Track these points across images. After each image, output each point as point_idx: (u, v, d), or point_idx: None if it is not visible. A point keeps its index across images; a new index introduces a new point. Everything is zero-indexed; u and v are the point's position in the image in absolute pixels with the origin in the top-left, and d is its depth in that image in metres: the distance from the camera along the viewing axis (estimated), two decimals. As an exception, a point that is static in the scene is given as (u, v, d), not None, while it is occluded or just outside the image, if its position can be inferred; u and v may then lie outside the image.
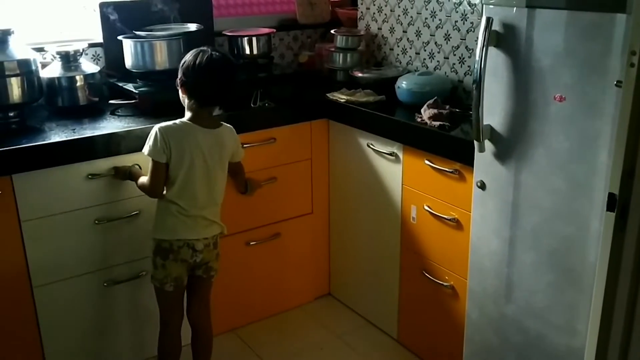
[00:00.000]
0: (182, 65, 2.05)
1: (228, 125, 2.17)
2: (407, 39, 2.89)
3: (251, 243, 2.65)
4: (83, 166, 2.16)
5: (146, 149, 2.03)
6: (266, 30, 2.95)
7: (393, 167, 2.46)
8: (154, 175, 2.05)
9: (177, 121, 2.06)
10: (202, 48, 2.05)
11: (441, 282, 2.33)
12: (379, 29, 3.04)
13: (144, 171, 2.17)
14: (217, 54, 2.04)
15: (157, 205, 2.13)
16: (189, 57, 2.05)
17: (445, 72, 2.71)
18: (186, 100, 2.09)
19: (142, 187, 2.13)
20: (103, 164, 2.20)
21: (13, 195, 2.06)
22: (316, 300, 2.98)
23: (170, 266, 2.09)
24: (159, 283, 2.12)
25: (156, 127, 2.03)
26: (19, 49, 2.27)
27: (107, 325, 2.37)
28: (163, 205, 2.10)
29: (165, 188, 2.08)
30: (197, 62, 2.01)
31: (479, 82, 1.83)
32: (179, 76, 2.06)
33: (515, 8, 1.76)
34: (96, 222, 2.23)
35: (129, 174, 2.20)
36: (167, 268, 2.09)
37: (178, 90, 2.10)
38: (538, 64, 1.74)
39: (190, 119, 2.07)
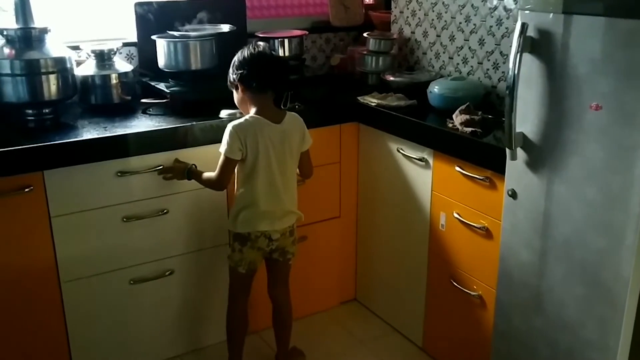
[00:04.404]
0: (234, 64, 2.14)
1: (292, 113, 2.20)
2: (441, 43, 2.85)
3: (278, 245, 2.64)
4: (113, 164, 2.18)
5: (223, 147, 2.09)
6: (298, 32, 2.95)
7: (423, 173, 2.43)
8: (224, 170, 2.11)
9: (247, 117, 2.12)
10: (248, 45, 2.17)
11: (469, 291, 2.29)
12: (412, 32, 3.01)
13: (205, 169, 2.22)
14: (262, 44, 2.18)
15: (235, 199, 2.20)
16: (238, 55, 2.14)
17: (479, 78, 2.67)
18: (246, 96, 2.13)
19: (207, 181, 2.19)
20: (133, 162, 2.22)
21: (44, 190, 2.09)
22: (341, 305, 2.96)
23: (247, 252, 2.21)
24: (234, 264, 2.24)
25: (230, 126, 2.09)
26: (55, 47, 2.31)
27: (132, 323, 2.39)
28: (240, 199, 2.18)
29: (239, 183, 2.17)
30: (249, 52, 2.12)
31: (512, 88, 1.80)
32: (232, 75, 2.14)
33: (551, 14, 1.73)
34: (124, 219, 2.25)
35: (188, 173, 2.23)
36: (243, 253, 2.21)
37: (233, 93, 2.18)
38: (574, 71, 1.70)
39: (257, 113, 2.12)
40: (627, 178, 1.62)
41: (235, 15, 2.87)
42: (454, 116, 2.31)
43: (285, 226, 2.23)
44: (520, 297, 1.98)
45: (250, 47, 2.14)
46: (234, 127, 2.08)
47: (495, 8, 2.55)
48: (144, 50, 2.71)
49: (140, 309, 2.39)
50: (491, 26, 2.58)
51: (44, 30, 2.29)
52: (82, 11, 2.71)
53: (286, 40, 2.88)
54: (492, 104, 2.59)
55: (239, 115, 2.37)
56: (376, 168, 2.69)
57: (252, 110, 2.13)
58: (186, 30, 2.65)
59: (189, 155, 2.29)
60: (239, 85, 2.14)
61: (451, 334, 2.44)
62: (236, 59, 2.14)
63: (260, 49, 2.14)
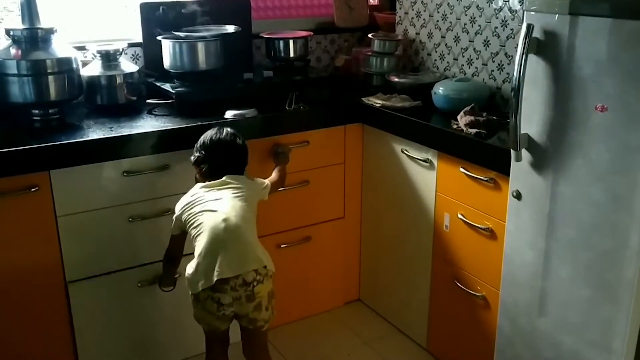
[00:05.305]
0: (199, 141, 2.11)
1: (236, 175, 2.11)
2: (445, 44, 2.86)
3: (282, 246, 2.65)
4: (119, 164, 2.19)
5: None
6: (303, 33, 2.95)
7: (427, 174, 2.43)
8: (169, 245, 2.16)
9: (193, 194, 2.05)
10: (217, 128, 2.13)
11: (473, 292, 2.29)
12: (417, 33, 3.01)
13: None
14: (228, 132, 2.11)
15: None
16: (205, 134, 2.12)
17: (483, 79, 2.67)
18: (200, 176, 2.11)
19: (163, 258, 2.22)
20: (139, 162, 2.23)
21: (50, 190, 2.10)
22: (345, 306, 2.97)
23: (201, 313, 2.01)
24: (195, 320, 2.06)
25: (176, 207, 2.08)
26: (61, 48, 2.32)
27: (139, 323, 2.39)
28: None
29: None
30: (209, 138, 2.09)
31: (517, 89, 1.79)
32: (195, 152, 2.10)
33: (557, 15, 1.72)
34: (130, 219, 2.26)
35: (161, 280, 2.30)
36: (199, 312, 2.01)
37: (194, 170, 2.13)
38: (579, 72, 1.70)
39: (198, 187, 2.07)
40: (632, 179, 1.61)
41: (240, 16, 2.88)
42: (458, 117, 2.31)
43: (230, 276, 1.90)
44: (524, 298, 1.98)
45: (215, 132, 2.10)
46: (175, 206, 2.06)
47: (501, 9, 2.55)
48: (150, 50, 2.72)
49: (146, 308, 2.39)
50: (496, 27, 2.58)
51: (50, 31, 2.30)
52: (87, 11, 2.72)
53: (291, 41, 2.89)
54: (496, 105, 2.59)
55: (247, 115, 2.38)
56: (380, 169, 2.69)
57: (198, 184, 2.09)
58: (192, 31, 2.66)
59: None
60: (195, 167, 2.11)
61: (455, 335, 2.44)
62: (200, 139, 2.11)
63: (222, 135, 2.09)
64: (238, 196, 2.03)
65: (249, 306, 1.96)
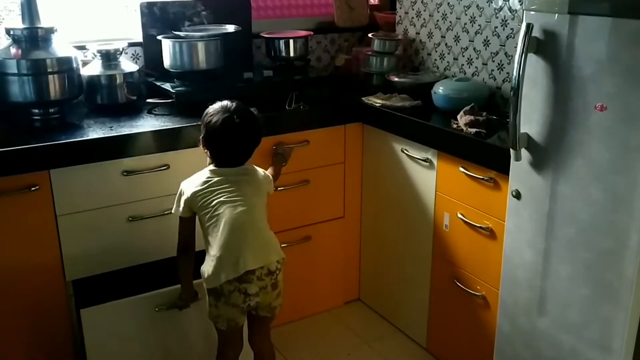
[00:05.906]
0: (204, 117, 1.99)
1: (249, 167, 2.08)
2: (445, 44, 2.86)
3: (282, 245, 2.63)
4: (119, 163, 2.19)
5: (173, 208, 2.03)
6: (303, 33, 2.95)
7: (427, 174, 2.44)
8: (180, 230, 2.05)
9: (202, 176, 1.99)
10: (226, 106, 1.97)
11: (473, 292, 2.29)
12: (417, 33, 3.01)
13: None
14: (238, 117, 1.95)
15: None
16: (211, 113, 1.97)
17: (483, 79, 2.67)
18: (208, 158, 2.04)
19: (177, 253, 2.09)
20: (139, 162, 2.23)
21: (50, 189, 2.10)
22: (345, 305, 2.97)
23: (222, 308, 1.98)
24: (212, 320, 2.03)
25: (181, 185, 2.02)
26: (61, 47, 2.32)
27: (157, 351, 2.30)
28: (207, 252, 2.01)
29: (204, 236, 2.00)
30: (217, 124, 1.94)
31: (517, 89, 1.79)
32: (202, 129, 2.00)
33: (557, 14, 1.72)
34: (130, 219, 2.26)
35: (181, 294, 2.16)
36: (219, 308, 1.98)
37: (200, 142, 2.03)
38: (579, 72, 1.70)
39: (211, 171, 2.01)
40: (632, 179, 1.61)
41: (240, 15, 2.88)
42: (458, 117, 2.31)
43: (256, 267, 1.93)
44: (524, 297, 1.98)
45: (222, 118, 1.93)
46: (183, 187, 2.01)
47: (501, 9, 2.55)
48: (150, 50, 2.72)
49: (165, 335, 2.29)
50: (496, 27, 2.58)
51: (50, 30, 2.30)
52: (87, 11, 2.72)
53: (291, 41, 2.89)
54: (496, 104, 2.59)
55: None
56: (380, 168, 2.69)
57: (210, 166, 2.02)
58: (192, 31, 2.67)
59: (192, 154, 2.29)
60: (201, 140, 2.01)
61: (455, 335, 2.44)
62: (208, 118, 1.96)
63: (229, 122, 1.93)
64: (252, 187, 2.02)
65: (274, 294, 2.01)
